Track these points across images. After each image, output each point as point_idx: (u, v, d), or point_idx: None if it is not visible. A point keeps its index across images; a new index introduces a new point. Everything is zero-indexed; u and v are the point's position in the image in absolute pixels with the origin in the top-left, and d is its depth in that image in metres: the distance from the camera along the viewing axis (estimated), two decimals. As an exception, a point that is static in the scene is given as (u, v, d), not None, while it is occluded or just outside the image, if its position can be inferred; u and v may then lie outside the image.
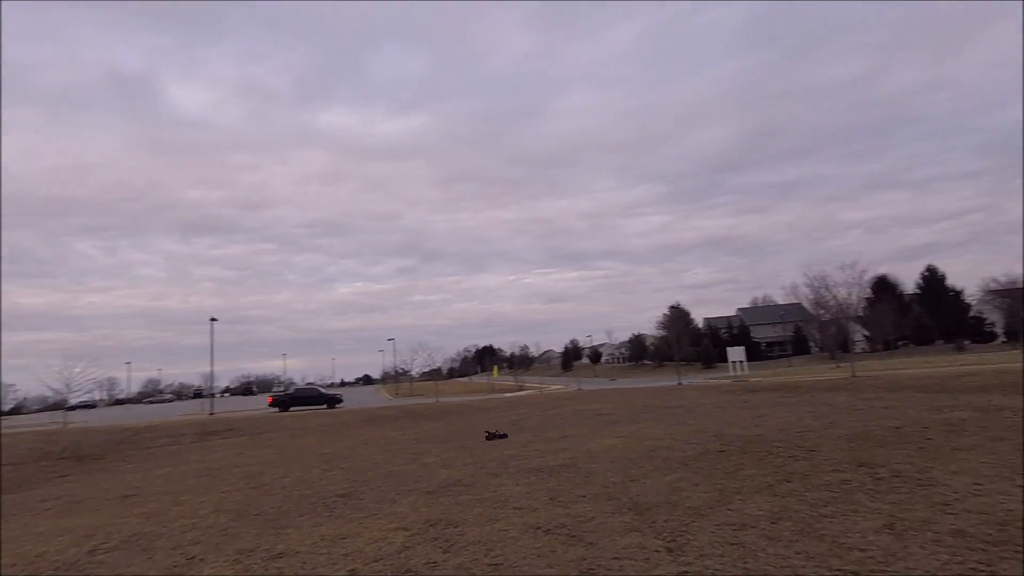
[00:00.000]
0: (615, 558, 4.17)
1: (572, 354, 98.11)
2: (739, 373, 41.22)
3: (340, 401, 35.51)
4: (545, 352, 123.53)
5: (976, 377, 16.02)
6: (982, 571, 3.42)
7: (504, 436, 12.61)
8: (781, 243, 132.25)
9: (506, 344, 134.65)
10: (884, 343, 62.87)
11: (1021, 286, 61.24)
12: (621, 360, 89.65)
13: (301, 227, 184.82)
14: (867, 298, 66.19)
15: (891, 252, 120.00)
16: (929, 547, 3.86)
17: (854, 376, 21.88)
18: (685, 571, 3.82)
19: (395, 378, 73.07)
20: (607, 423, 13.58)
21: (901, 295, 69.22)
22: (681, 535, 4.57)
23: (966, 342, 62.15)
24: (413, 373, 63.26)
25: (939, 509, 4.66)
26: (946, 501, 4.86)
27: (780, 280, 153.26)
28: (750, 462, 7.33)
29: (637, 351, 78.01)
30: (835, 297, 26.60)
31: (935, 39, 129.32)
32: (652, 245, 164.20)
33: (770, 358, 70.43)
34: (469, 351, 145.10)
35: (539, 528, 5.11)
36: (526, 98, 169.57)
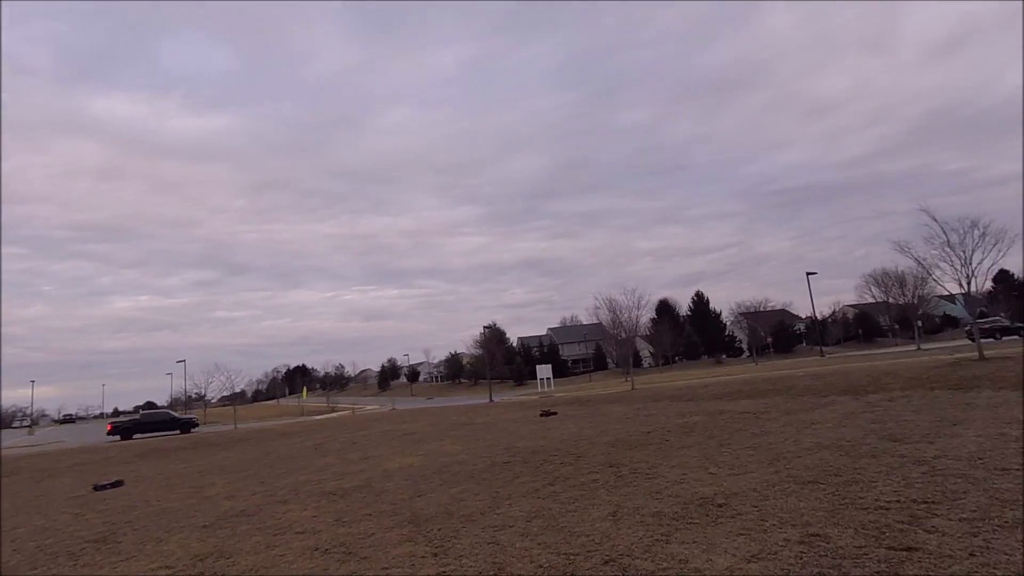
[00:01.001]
0: (384, 568, 4.51)
1: (389, 373, 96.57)
2: (546, 389, 44.65)
3: (196, 425, 31.31)
4: (362, 371, 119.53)
5: (716, 387, 19.77)
6: (661, 539, 4.47)
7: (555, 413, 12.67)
8: (589, 267, 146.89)
9: (321, 363, 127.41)
10: (664, 358, 73.10)
11: (761, 310, 76.45)
12: (439, 379, 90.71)
13: (64, 229, 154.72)
14: (652, 319, 76.90)
15: (674, 278, 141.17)
16: (635, 528, 4.89)
17: (632, 388, 25.33)
18: (443, 571, 4.30)
19: (186, 404, 64.32)
20: (412, 442, 13.89)
21: (677, 316, 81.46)
22: (449, 541, 5.08)
23: (723, 356, 75.26)
24: (209, 398, 56.43)
25: (652, 496, 5.87)
26: (658, 490, 6.12)
27: (587, 301, 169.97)
28: (527, 471, 8.25)
29: (454, 369, 79.76)
30: (628, 318, 30.56)
31: (700, 100, 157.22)
32: (472, 264, 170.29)
33: (575, 374, 77.35)
34: (279, 372, 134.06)
35: (317, 549, 5.22)
36: (346, 110, 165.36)
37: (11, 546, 6.86)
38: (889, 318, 68.07)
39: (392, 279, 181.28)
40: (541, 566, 4.17)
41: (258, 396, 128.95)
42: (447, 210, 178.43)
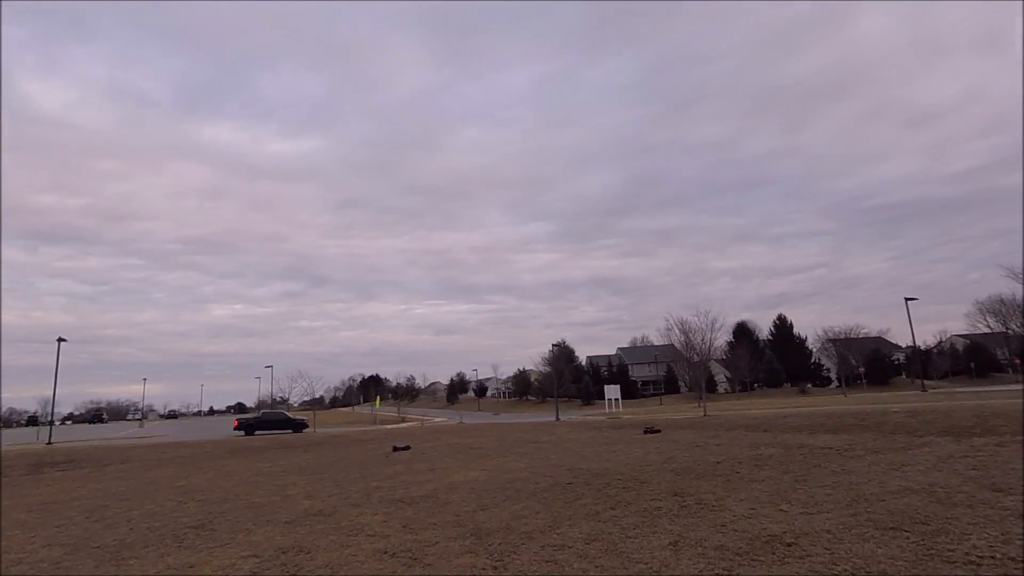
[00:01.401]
0: (446, 575, 4.73)
1: (458, 387, 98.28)
2: (614, 410, 43.86)
3: (306, 426, 34.83)
4: (432, 384, 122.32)
5: (796, 418, 18.69)
6: (723, 574, 4.40)
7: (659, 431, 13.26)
8: (661, 286, 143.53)
9: (393, 374, 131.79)
10: (742, 384, 69.65)
11: (852, 336, 71.10)
12: (506, 395, 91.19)
13: (174, 243, 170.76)
14: (729, 342, 73.63)
15: (753, 300, 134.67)
16: (695, 559, 4.83)
17: (704, 415, 24.40)
18: (502, 585, 4.46)
19: (271, 407, 68.68)
20: (477, 456, 14.17)
21: (757, 340, 77.45)
22: (509, 555, 5.23)
23: (808, 385, 70.60)
24: (291, 402, 59.93)
25: (715, 529, 5.74)
26: (723, 523, 5.97)
27: (658, 322, 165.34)
28: (589, 492, 8.25)
29: (521, 386, 79.96)
30: (702, 340, 29.61)
31: (784, 111, 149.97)
32: (542, 281, 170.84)
33: (644, 396, 75.33)
34: (354, 380, 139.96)
35: (386, 552, 5.54)
36: (423, 130, 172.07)
37: (127, 526, 7.72)
38: (1008, 351, 61.15)
39: (462, 294, 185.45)
40: (599, 589, 4.23)
41: (335, 403, 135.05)
42: (518, 226, 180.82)
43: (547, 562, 4.97)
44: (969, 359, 65.62)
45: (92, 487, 12.51)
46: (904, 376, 70.75)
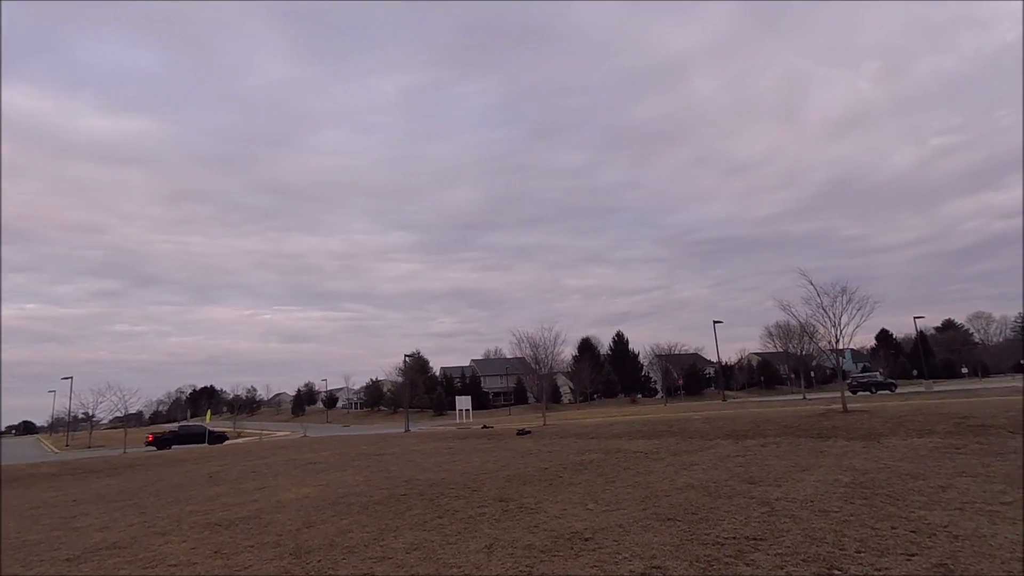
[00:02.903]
0: (253, 599, 4.60)
1: (305, 398, 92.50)
2: (464, 421, 44.54)
3: (226, 438, 34.77)
4: (276, 395, 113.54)
5: (621, 426, 20.69)
6: (524, 571, 4.87)
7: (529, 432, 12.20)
8: (518, 300, 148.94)
9: (232, 385, 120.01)
10: (584, 395, 74.78)
11: (675, 352, 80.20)
12: (358, 406, 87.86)
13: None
14: (574, 356, 78.67)
15: (601, 316, 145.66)
16: (504, 560, 5.26)
17: (544, 424, 25.92)
18: (313, 601, 4.47)
19: (70, 425, 58.36)
20: (314, 472, 13.61)
21: (598, 354, 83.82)
22: (325, 573, 5.23)
23: (639, 396, 78.00)
24: (100, 419, 51.52)
25: (528, 530, 6.28)
26: (536, 524, 6.54)
27: (512, 335, 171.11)
28: (421, 503, 8.44)
29: (374, 397, 77.72)
30: (546, 354, 31.32)
31: (631, 149, 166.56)
32: (402, 291, 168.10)
33: (496, 407, 77.40)
34: (183, 392, 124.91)
35: (189, 582, 5.20)
36: (280, 126, 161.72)
37: None
38: (788, 367, 73.66)
39: (317, 301, 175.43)
40: (408, 596, 4.44)
41: (157, 418, 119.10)
42: (379, 235, 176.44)
43: (365, 575, 5.06)
44: (760, 374, 78.24)
45: None
46: (713, 388, 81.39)
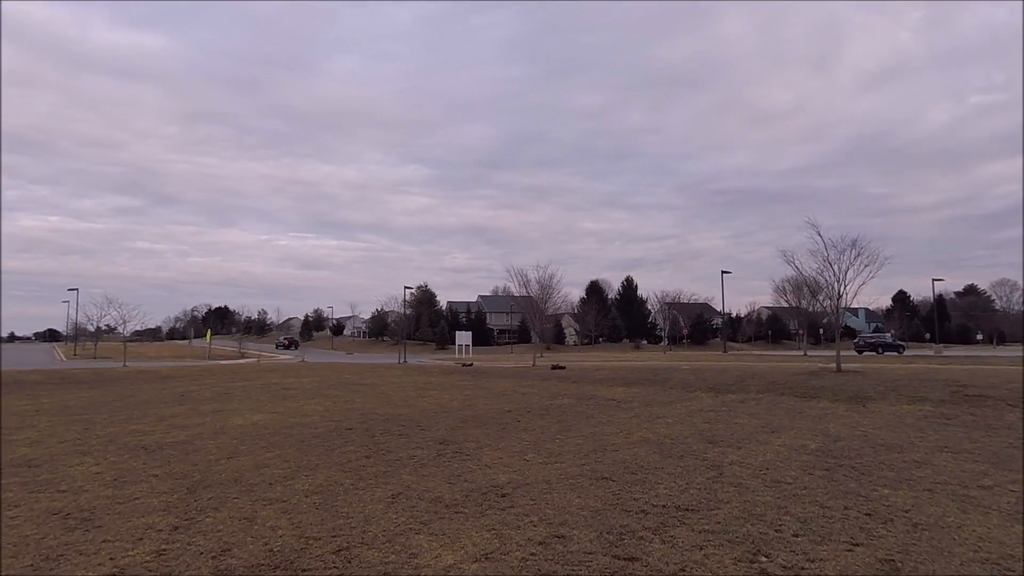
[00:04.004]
0: (104, 540, 4.12)
1: (313, 324, 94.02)
2: (464, 356, 44.76)
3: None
4: (288, 319, 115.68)
5: (608, 371, 20.27)
6: (414, 528, 4.32)
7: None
8: (533, 240, 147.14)
9: (251, 308, 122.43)
10: (588, 338, 74.86)
11: (683, 301, 79.36)
12: (365, 335, 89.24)
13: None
14: (581, 298, 78.26)
15: (615, 261, 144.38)
16: (401, 512, 4.71)
17: (533, 365, 25.65)
18: (165, 549, 3.97)
19: (92, 336, 60.02)
20: (281, 398, 13.37)
21: (606, 298, 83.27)
22: (204, 513, 4.74)
23: (643, 342, 77.91)
24: (120, 331, 52.60)
25: (447, 480, 5.74)
26: (460, 473, 6.01)
27: (528, 276, 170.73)
28: (361, 439, 8.00)
29: (379, 327, 78.60)
30: (540, 295, 30.77)
31: (652, 91, 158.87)
32: (416, 224, 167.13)
33: (500, 344, 78.01)
34: (199, 311, 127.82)
35: (57, 513, 4.76)
36: (294, 50, 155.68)
37: None
38: (798, 323, 72.55)
39: (332, 230, 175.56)
40: (271, 551, 3.91)
41: (174, 335, 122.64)
42: (394, 167, 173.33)
43: (243, 519, 4.57)
44: (768, 328, 77.28)
45: None
46: (718, 338, 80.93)
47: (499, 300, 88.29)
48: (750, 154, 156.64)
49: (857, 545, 3.94)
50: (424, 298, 72.96)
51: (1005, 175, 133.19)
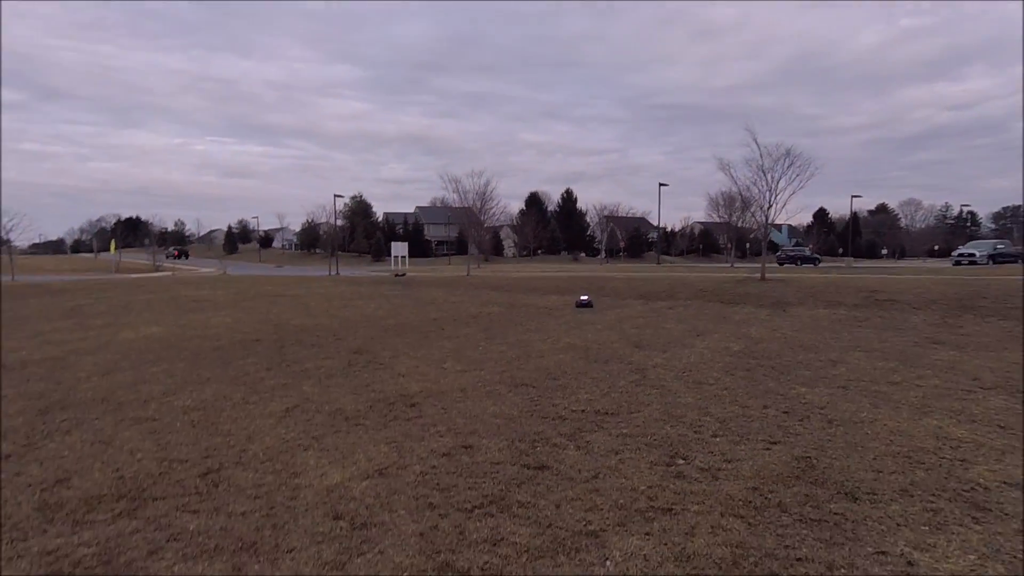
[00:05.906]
0: (-95, 473, 3.37)
1: (238, 236, 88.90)
2: (399, 268, 43.68)
3: None
4: (211, 231, 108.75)
5: (543, 281, 20.12)
6: (304, 445, 3.82)
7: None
8: (472, 151, 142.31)
9: (167, 219, 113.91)
10: (527, 250, 74.97)
11: (621, 215, 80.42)
12: (295, 247, 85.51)
13: None
14: (521, 210, 77.45)
15: (555, 174, 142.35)
16: (293, 428, 4.19)
17: (467, 275, 25.22)
18: (-14, 479, 3.28)
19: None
20: (187, 311, 12.29)
21: (545, 211, 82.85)
22: (55, 436, 4.04)
23: (582, 254, 79.04)
24: (11, 242, 47.23)
25: (351, 391, 5.23)
26: (368, 383, 5.51)
27: (463, 184, 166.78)
28: (267, 351, 7.32)
29: (310, 239, 75.32)
30: (474, 204, 29.81)
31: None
32: (351, 131, 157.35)
33: (438, 255, 77.00)
34: (107, 222, 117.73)
35: None
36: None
37: None
38: (727, 237, 75.48)
39: (256, 134, 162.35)
40: (121, 477, 3.31)
41: (79, 248, 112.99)
42: (322, 65, 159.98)
43: (95, 443, 3.90)
44: (700, 242, 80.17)
45: None
46: (654, 252, 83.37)
47: (437, 211, 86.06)
48: (691, 69, 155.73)
49: (775, 443, 3.79)
50: (359, 209, 69.91)
51: (923, 99, 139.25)
